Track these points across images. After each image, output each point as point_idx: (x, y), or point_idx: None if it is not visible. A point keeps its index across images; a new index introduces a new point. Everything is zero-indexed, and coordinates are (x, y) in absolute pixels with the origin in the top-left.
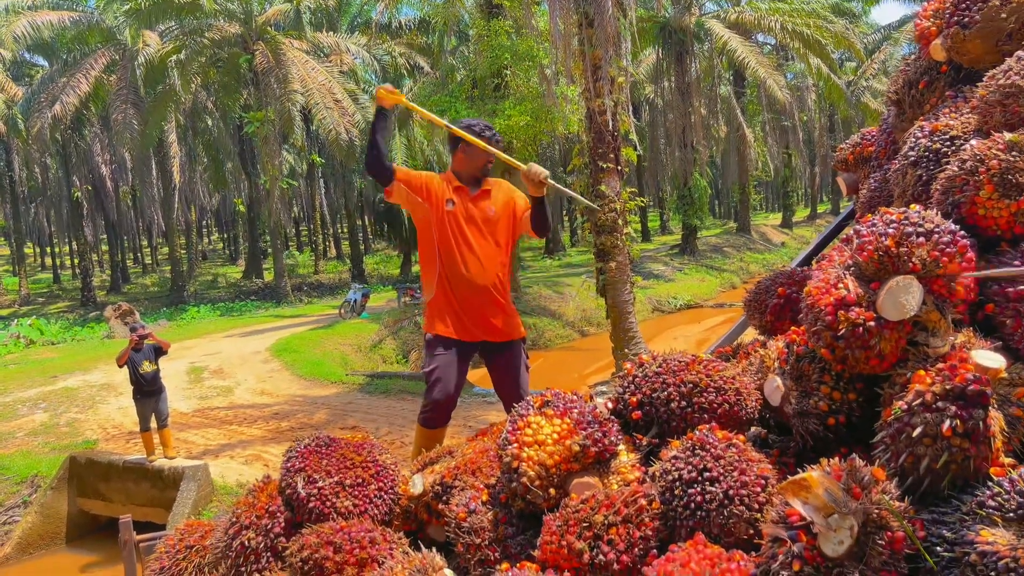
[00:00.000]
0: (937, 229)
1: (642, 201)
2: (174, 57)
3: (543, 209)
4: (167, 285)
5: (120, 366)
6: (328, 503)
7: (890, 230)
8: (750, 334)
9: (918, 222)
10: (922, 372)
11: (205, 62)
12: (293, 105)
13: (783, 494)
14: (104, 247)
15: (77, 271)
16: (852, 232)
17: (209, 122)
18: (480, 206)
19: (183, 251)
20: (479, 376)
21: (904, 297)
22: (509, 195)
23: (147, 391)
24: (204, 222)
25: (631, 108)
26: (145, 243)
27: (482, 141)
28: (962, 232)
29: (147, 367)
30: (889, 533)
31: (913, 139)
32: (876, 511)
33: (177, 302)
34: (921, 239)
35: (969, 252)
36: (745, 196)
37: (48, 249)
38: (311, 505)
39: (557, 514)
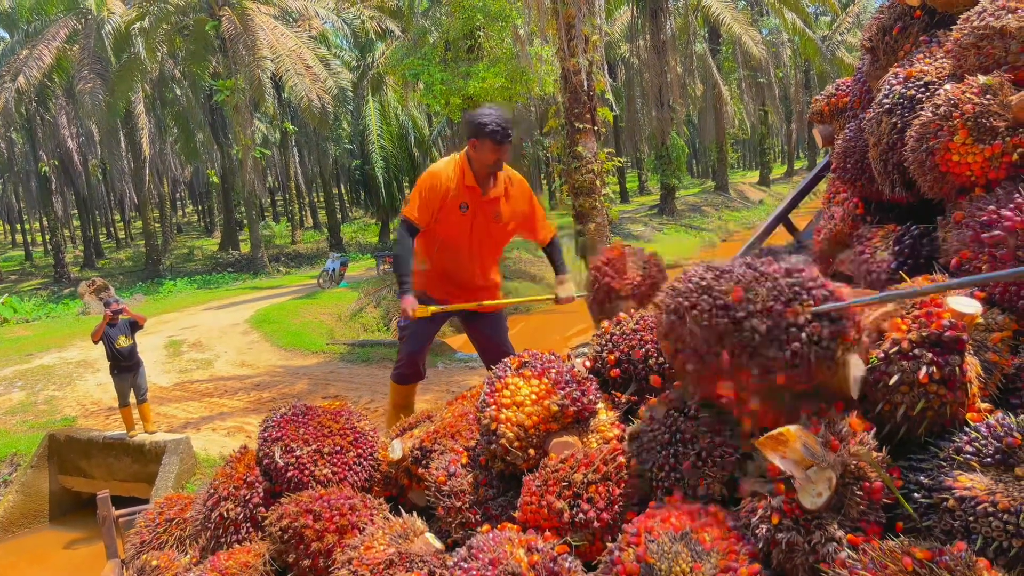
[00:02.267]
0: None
1: (620, 161)
2: (138, 24)
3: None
4: (142, 259)
5: (96, 342)
6: (306, 471)
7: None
8: None
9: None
10: (898, 320)
11: (170, 29)
12: (263, 72)
13: (761, 449)
14: (76, 222)
15: (49, 248)
16: None
17: (178, 92)
18: (490, 211)
19: (157, 224)
20: (461, 342)
21: None
22: (522, 203)
23: (124, 366)
24: (177, 194)
25: (606, 68)
26: (118, 217)
27: (491, 151)
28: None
29: (123, 342)
30: (867, 483)
31: (887, 86)
32: (854, 463)
33: (153, 276)
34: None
35: None
36: (723, 154)
37: (18, 226)
38: (289, 474)
39: (537, 474)
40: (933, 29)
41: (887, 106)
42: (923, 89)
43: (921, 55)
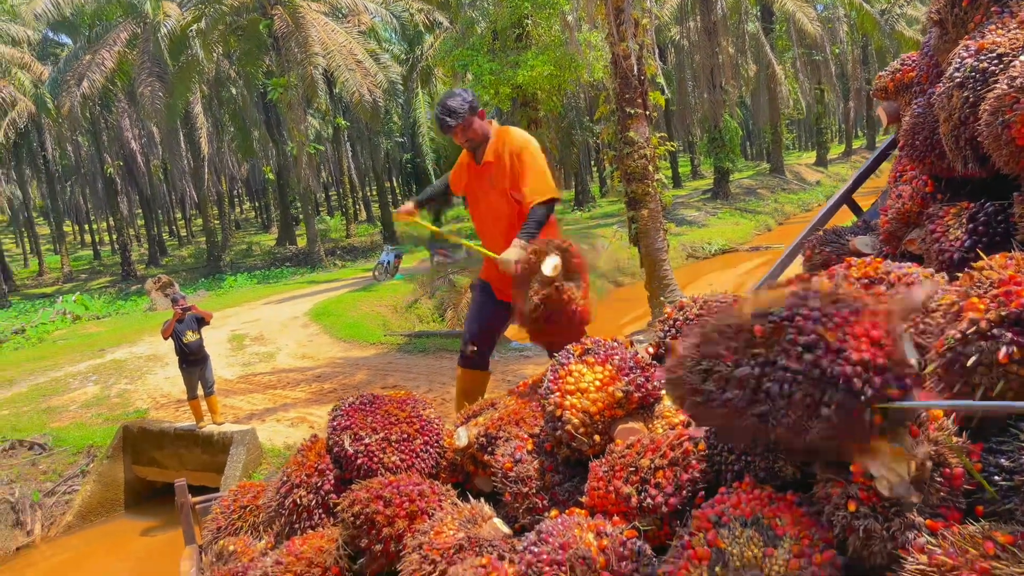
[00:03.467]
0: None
1: (672, 146)
2: (194, 27)
3: (535, 238)
4: (203, 256)
5: (165, 338)
6: (375, 459)
7: None
8: (793, 269)
9: None
10: (975, 299)
11: (225, 30)
12: (315, 69)
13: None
14: (140, 221)
15: (116, 246)
16: None
17: (233, 91)
18: (483, 179)
19: (216, 221)
20: (515, 331)
21: None
22: (507, 160)
23: (192, 360)
24: (235, 191)
25: (656, 51)
26: (179, 215)
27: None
28: None
29: (190, 337)
30: (947, 470)
31: (958, 60)
32: (933, 449)
33: (214, 272)
34: None
35: None
36: (777, 136)
37: (86, 226)
38: (359, 461)
39: (603, 460)
40: None
41: (958, 80)
42: (996, 61)
43: (993, 26)
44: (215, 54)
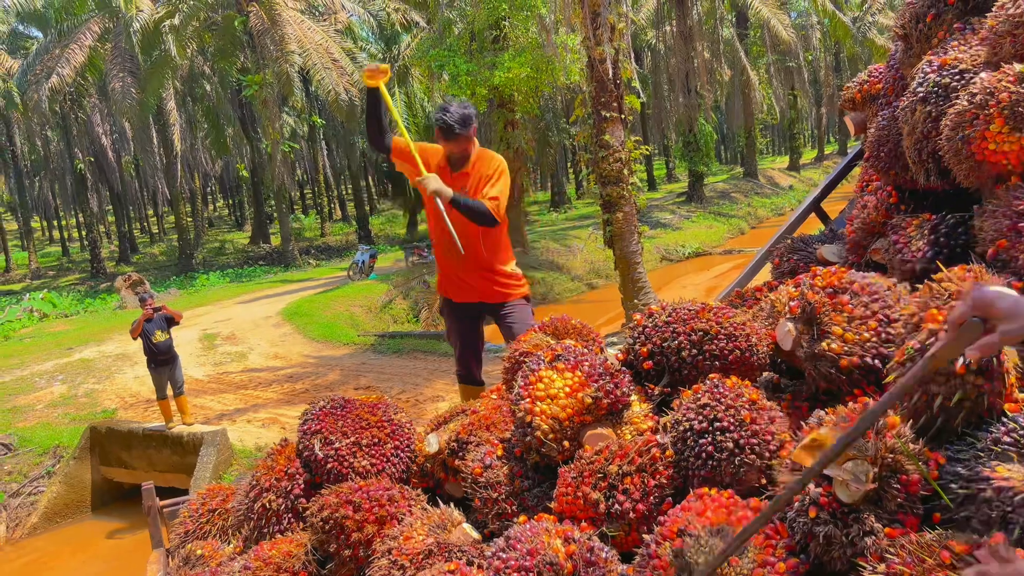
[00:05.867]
0: None
1: (647, 149)
2: (168, 22)
3: (459, 209)
4: (175, 254)
5: (134, 338)
6: (346, 463)
7: None
8: (762, 276)
9: None
10: (934, 311)
11: (199, 26)
12: (291, 66)
13: (799, 461)
14: (110, 218)
15: (85, 243)
16: None
17: (207, 87)
18: (454, 187)
19: (189, 219)
20: (490, 332)
21: None
22: (484, 172)
23: (161, 360)
24: (208, 189)
25: (633, 55)
26: (151, 212)
27: (442, 143)
28: None
29: (160, 337)
30: (904, 476)
31: (921, 74)
32: (891, 456)
33: (186, 270)
34: None
35: None
36: (751, 140)
37: (55, 222)
38: (329, 466)
39: (572, 466)
40: (967, 16)
41: (921, 94)
42: (958, 77)
43: (956, 43)
44: (189, 50)
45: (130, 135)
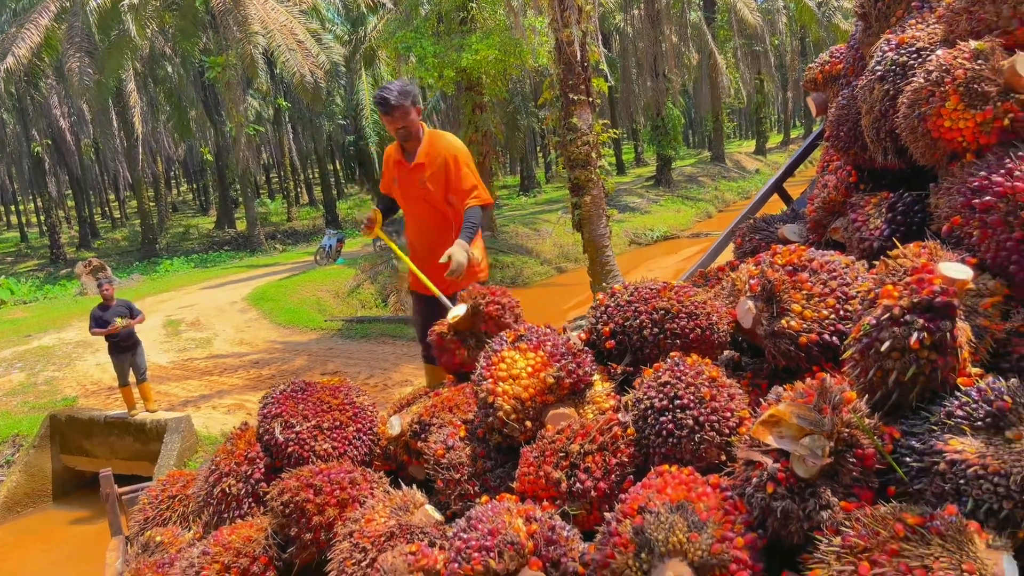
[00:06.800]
0: None
1: (615, 133)
2: (127, 1)
3: (472, 238)
4: (138, 239)
5: (95, 335)
6: (306, 447)
7: None
8: (725, 256)
9: None
10: (890, 287)
11: (160, 5)
12: (254, 48)
13: (757, 436)
14: (70, 203)
15: (44, 228)
16: None
17: (169, 69)
18: (413, 179)
19: (152, 203)
20: None
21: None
22: (442, 162)
23: (123, 346)
24: (172, 173)
25: (600, 38)
26: (112, 197)
27: (384, 121)
28: None
29: (120, 323)
30: (860, 450)
31: (879, 53)
32: (847, 431)
33: (149, 256)
34: None
35: None
36: (719, 124)
37: (12, 207)
38: (289, 449)
39: (534, 446)
40: None
41: (879, 73)
42: (915, 55)
43: (913, 21)
44: (149, 30)
45: (89, 117)
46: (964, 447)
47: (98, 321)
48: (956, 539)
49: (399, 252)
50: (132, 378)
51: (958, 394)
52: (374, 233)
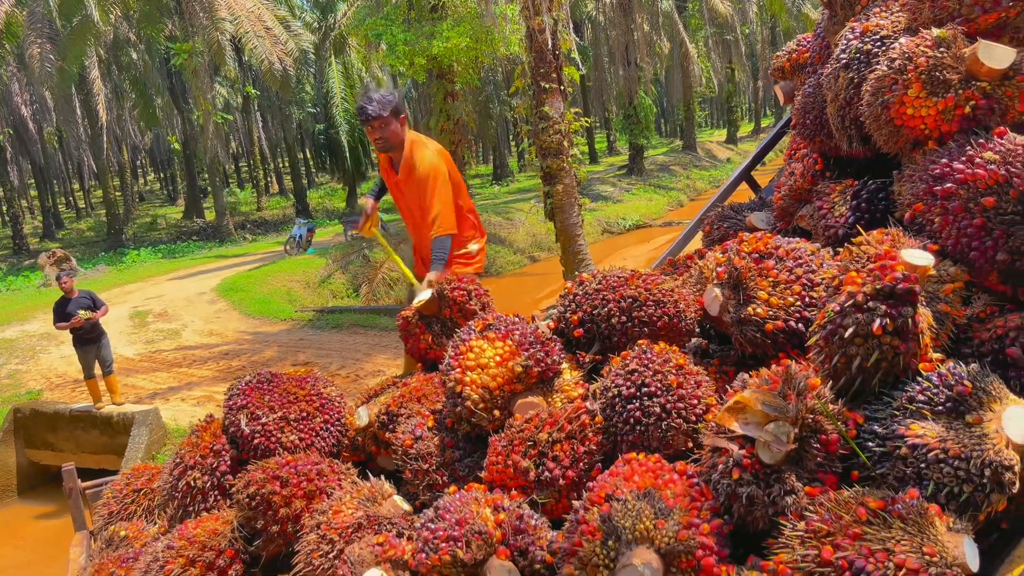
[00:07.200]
0: None
1: (587, 121)
2: None
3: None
4: (103, 229)
5: (61, 329)
6: (273, 438)
7: None
8: (694, 244)
9: None
10: (853, 273)
11: None
12: (222, 35)
13: (723, 423)
14: (33, 192)
15: (6, 218)
16: None
17: (134, 56)
18: (401, 188)
19: (118, 193)
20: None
21: None
22: (417, 179)
23: (87, 338)
24: (138, 162)
25: (572, 26)
26: (77, 187)
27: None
28: None
29: (84, 315)
30: (824, 436)
31: (844, 41)
32: (811, 416)
33: (115, 246)
34: None
35: None
36: (690, 113)
37: None
38: (256, 441)
39: (502, 435)
40: None
41: (844, 61)
42: (879, 43)
43: (877, 9)
44: (112, 16)
45: (51, 105)
46: (925, 431)
47: (60, 315)
48: (917, 522)
49: (392, 253)
50: (98, 370)
51: (920, 379)
52: (367, 230)
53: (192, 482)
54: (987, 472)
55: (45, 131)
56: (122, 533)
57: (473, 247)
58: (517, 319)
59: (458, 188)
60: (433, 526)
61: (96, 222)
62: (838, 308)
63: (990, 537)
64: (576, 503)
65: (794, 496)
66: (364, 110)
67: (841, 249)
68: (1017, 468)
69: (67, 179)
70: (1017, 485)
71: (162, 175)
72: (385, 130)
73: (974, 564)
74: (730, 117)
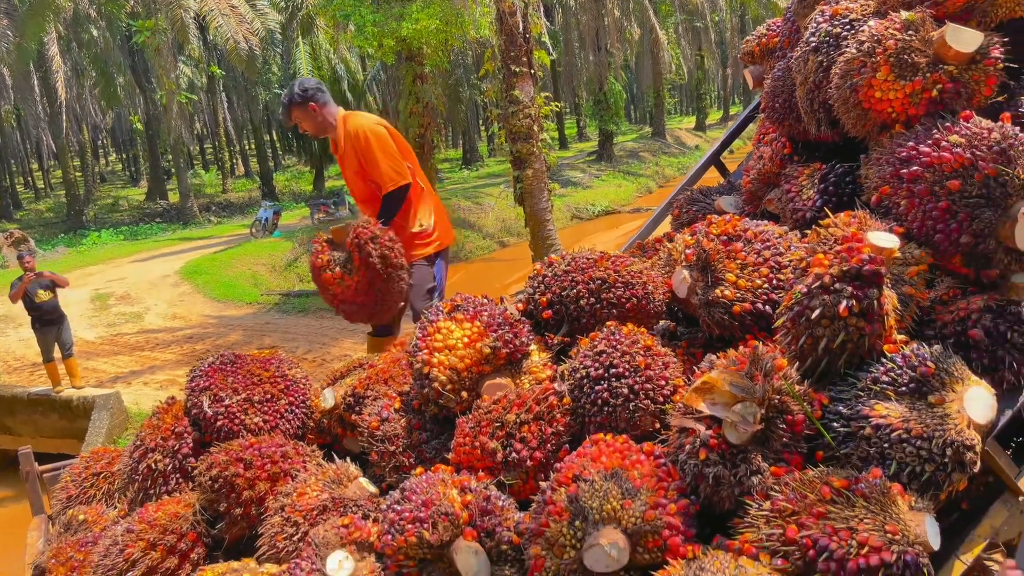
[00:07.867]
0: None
1: (557, 106)
2: None
3: (391, 221)
4: (63, 210)
5: (15, 302)
6: (236, 420)
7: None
8: (663, 228)
9: None
10: (820, 255)
11: None
12: (185, 12)
13: (690, 404)
14: None
15: None
16: None
17: (94, 32)
18: (343, 155)
19: (78, 173)
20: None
21: None
22: (349, 146)
23: (47, 320)
24: (99, 142)
25: (543, 10)
26: (35, 166)
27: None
28: None
29: (43, 296)
30: (790, 416)
31: (814, 24)
32: (778, 397)
33: (76, 227)
34: None
35: None
36: (660, 100)
37: None
38: (219, 423)
39: (470, 416)
40: None
41: (813, 44)
42: (848, 27)
43: None
44: None
45: (9, 83)
46: (889, 412)
47: (15, 287)
48: (880, 501)
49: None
50: (57, 353)
51: (884, 360)
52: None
53: (153, 464)
54: (949, 452)
55: (2, 109)
56: (81, 517)
57: (427, 222)
58: (485, 300)
59: (405, 152)
60: (399, 508)
61: (56, 203)
62: (805, 290)
63: (951, 516)
64: (543, 484)
65: (760, 476)
66: (282, 106)
67: (809, 232)
68: (978, 448)
69: (25, 159)
70: (978, 464)
71: (124, 156)
72: (305, 119)
73: (935, 542)
74: (699, 104)
